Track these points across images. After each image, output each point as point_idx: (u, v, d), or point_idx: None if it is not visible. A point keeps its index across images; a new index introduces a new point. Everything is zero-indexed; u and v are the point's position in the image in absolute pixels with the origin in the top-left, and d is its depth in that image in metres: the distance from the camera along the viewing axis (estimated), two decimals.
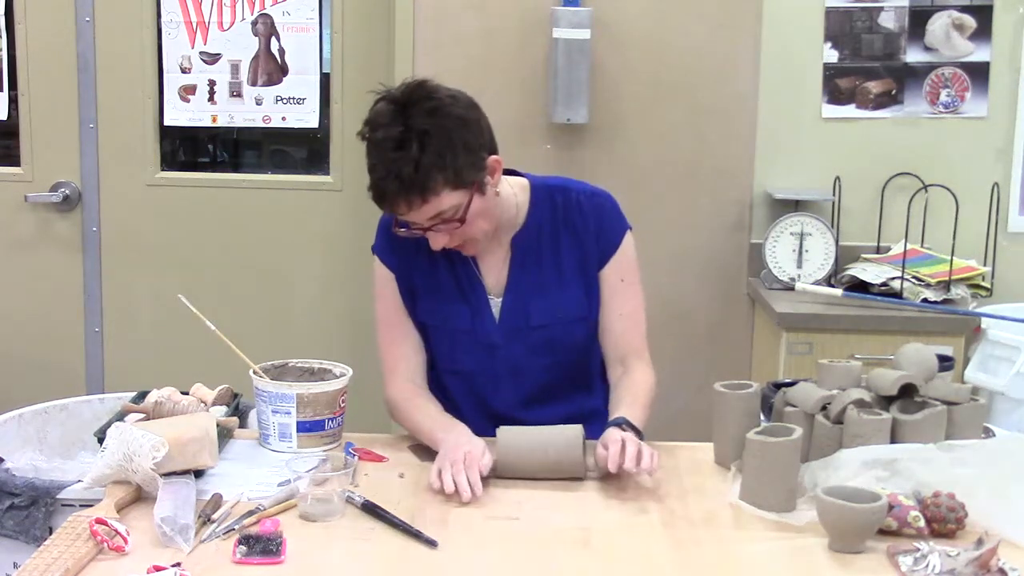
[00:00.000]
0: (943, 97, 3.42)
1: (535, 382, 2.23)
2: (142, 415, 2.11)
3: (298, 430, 2.08)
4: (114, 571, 1.62)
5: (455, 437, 2.02)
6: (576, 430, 1.99)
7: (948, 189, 3.26)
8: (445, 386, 2.26)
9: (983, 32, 3.39)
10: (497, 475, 1.96)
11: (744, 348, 3.51)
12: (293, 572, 1.64)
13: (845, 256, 3.37)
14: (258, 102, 3.58)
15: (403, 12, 3.41)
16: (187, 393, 2.23)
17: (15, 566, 2.01)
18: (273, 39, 3.56)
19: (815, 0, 3.40)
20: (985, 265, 3.35)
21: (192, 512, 1.76)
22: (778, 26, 3.41)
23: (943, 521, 1.75)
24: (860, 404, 1.93)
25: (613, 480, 1.96)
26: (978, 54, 3.40)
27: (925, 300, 3.12)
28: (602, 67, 3.39)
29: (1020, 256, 3.46)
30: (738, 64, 3.41)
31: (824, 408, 1.98)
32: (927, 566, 1.63)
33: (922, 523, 1.74)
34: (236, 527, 1.74)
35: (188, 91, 3.58)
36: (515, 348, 2.21)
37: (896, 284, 3.16)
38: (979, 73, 3.40)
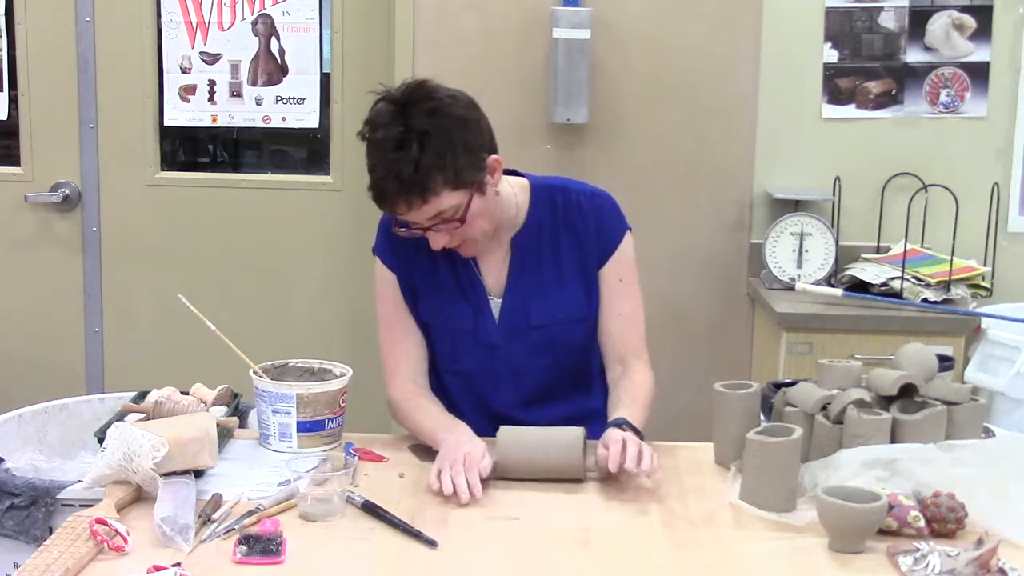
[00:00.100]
0: (943, 97, 3.42)
1: (535, 382, 2.23)
2: (142, 415, 2.11)
3: (298, 430, 2.08)
4: (114, 571, 1.62)
5: (456, 437, 2.02)
6: (577, 433, 1.98)
7: (948, 189, 3.26)
8: (445, 386, 2.26)
9: (983, 32, 3.38)
10: (497, 476, 1.96)
11: (744, 348, 3.51)
12: (293, 572, 1.64)
13: (845, 256, 3.37)
14: (258, 102, 3.58)
15: (403, 12, 3.41)
16: (187, 393, 2.23)
17: (15, 566, 2.01)
18: (273, 39, 3.55)
19: (815, 0, 3.40)
20: (985, 265, 3.35)
21: (192, 512, 1.76)
22: (778, 26, 3.41)
23: (943, 521, 1.75)
24: (860, 404, 1.92)
25: (613, 480, 1.96)
26: (978, 54, 3.40)
27: (925, 300, 3.12)
28: (602, 67, 3.39)
29: (1020, 256, 3.46)
30: (738, 64, 3.41)
31: (824, 408, 1.98)
32: (927, 566, 1.62)
33: (922, 523, 1.74)
34: (236, 527, 1.74)
35: (188, 91, 3.58)
36: (515, 348, 2.21)
37: (896, 284, 3.16)
38: (979, 73, 3.40)
